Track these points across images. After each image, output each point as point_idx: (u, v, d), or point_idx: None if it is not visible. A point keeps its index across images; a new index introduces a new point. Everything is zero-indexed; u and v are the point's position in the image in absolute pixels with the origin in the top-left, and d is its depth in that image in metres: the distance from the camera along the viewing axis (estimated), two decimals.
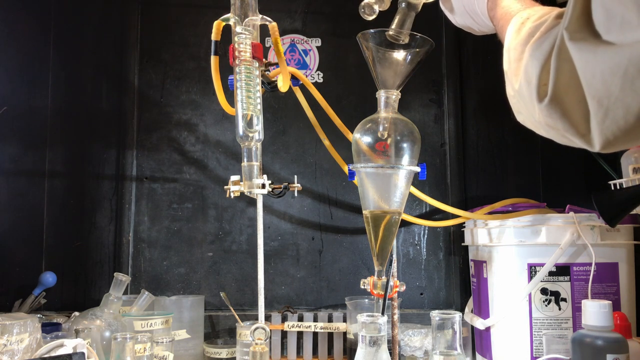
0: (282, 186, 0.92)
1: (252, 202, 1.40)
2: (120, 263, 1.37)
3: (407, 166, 0.89)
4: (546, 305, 1.03)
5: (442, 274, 1.41)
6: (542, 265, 1.03)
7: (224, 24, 0.85)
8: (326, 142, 1.15)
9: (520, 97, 0.57)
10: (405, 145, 0.89)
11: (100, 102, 1.44)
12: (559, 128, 0.51)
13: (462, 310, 1.31)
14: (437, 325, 0.77)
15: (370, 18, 0.84)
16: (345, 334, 1.24)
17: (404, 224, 1.39)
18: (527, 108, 0.56)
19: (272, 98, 1.42)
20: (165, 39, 1.45)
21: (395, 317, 1.00)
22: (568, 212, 1.07)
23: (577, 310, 1.02)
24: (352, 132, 0.94)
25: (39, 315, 1.15)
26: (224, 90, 0.87)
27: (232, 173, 0.86)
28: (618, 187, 1.02)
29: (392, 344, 1.00)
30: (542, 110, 0.52)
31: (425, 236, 1.42)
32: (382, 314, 0.82)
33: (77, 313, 1.18)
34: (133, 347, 0.89)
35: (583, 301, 0.79)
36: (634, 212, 0.88)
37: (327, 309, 1.38)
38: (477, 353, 1.21)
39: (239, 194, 0.84)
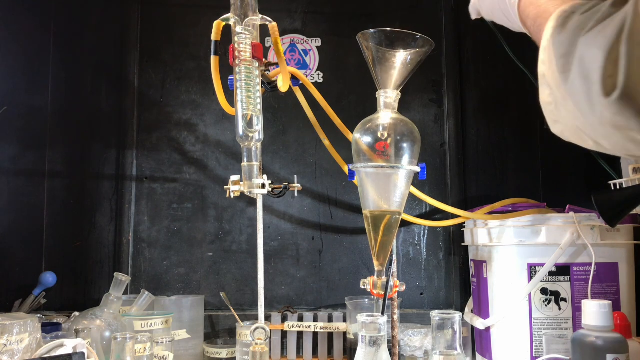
0: (282, 186, 0.92)
1: (252, 202, 1.40)
2: (120, 263, 1.37)
3: (407, 166, 0.89)
4: (546, 305, 1.03)
5: (442, 274, 1.41)
6: (542, 265, 1.03)
7: (224, 24, 0.85)
8: (326, 142, 1.15)
9: (569, 98, 0.49)
10: (405, 145, 0.89)
11: (100, 102, 1.44)
12: (632, 128, 0.44)
13: (462, 310, 1.31)
14: (437, 325, 0.77)
15: None
16: (345, 334, 1.24)
17: (404, 224, 1.39)
18: (580, 109, 0.48)
19: (272, 98, 1.42)
20: (165, 39, 1.45)
21: (395, 317, 1.00)
22: (568, 212, 1.07)
23: (577, 310, 1.02)
24: (352, 132, 0.94)
25: (39, 315, 1.15)
26: (224, 90, 0.87)
27: (232, 173, 0.86)
28: (618, 187, 1.02)
29: (392, 344, 1.00)
30: (611, 106, 0.44)
31: (425, 236, 1.42)
32: (382, 314, 0.82)
33: (77, 313, 1.18)
34: (133, 347, 0.89)
35: (583, 301, 0.79)
36: (634, 212, 0.88)
37: (327, 309, 1.38)
38: (477, 353, 1.21)
39: (239, 194, 0.84)
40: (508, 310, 1.05)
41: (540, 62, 0.54)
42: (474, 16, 0.83)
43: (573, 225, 1.03)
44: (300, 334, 1.27)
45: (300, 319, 1.26)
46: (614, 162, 1.08)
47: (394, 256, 0.96)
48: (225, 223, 1.41)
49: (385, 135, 0.89)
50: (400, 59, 0.89)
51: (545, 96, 0.54)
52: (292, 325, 1.25)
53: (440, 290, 1.41)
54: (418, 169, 0.90)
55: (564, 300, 1.03)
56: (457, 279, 1.39)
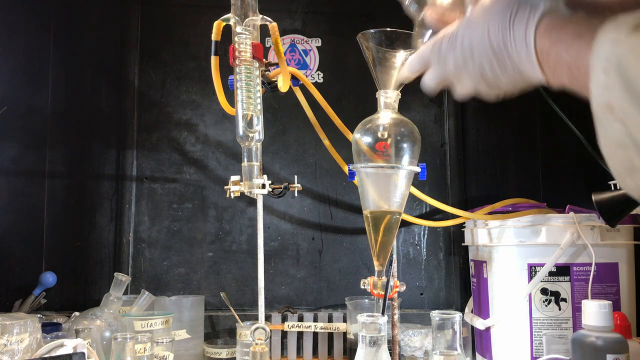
0: (282, 186, 0.92)
1: (252, 202, 1.40)
2: (120, 263, 1.37)
3: (407, 166, 0.89)
4: (546, 306, 1.03)
5: (442, 274, 1.41)
6: (542, 265, 1.03)
7: (224, 24, 0.85)
8: (326, 142, 1.15)
9: None
10: (405, 145, 0.89)
11: (100, 102, 1.44)
12: None
13: (462, 310, 1.31)
14: (437, 325, 0.77)
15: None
16: (345, 334, 1.24)
17: (404, 224, 1.39)
18: None
19: (272, 98, 1.42)
20: (165, 39, 1.45)
21: (396, 317, 1.00)
22: (568, 212, 1.07)
23: (577, 310, 1.02)
24: (352, 132, 0.94)
25: (39, 315, 1.15)
26: (224, 91, 0.87)
27: (232, 173, 0.86)
28: (618, 187, 1.02)
29: (392, 344, 1.00)
30: None
31: (425, 236, 1.42)
32: (382, 314, 0.82)
33: (77, 313, 1.18)
34: (133, 347, 0.89)
35: (583, 301, 0.79)
36: (634, 212, 0.88)
37: (327, 309, 1.38)
38: (477, 353, 1.21)
39: (239, 194, 0.84)
40: (508, 311, 1.05)
41: (600, 89, 0.39)
42: (408, 73, 0.62)
43: (573, 225, 1.03)
44: (300, 334, 1.27)
45: (300, 319, 1.26)
46: None
47: (394, 256, 0.96)
48: (225, 223, 1.41)
49: (386, 135, 0.89)
50: (401, 59, 0.89)
51: (616, 135, 0.38)
52: (292, 326, 1.25)
53: (440, 291, 1.41)
54: (418, 169, 0.90)
55: (564, 300, 1.03)
56: (457, 279, 1.39)
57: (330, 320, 1.27)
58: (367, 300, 1.20)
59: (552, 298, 1.04)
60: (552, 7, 0.47)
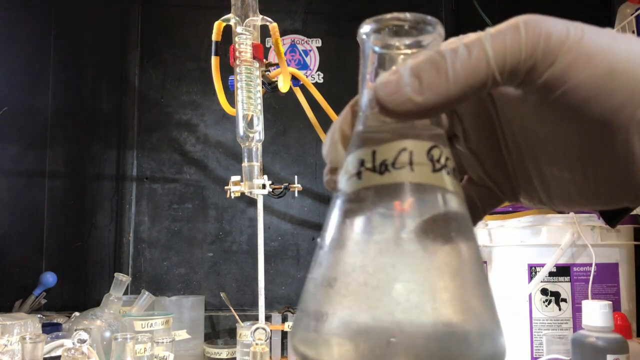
0: (282, 186, 0.92)
1: (252, 202, 1.40)
2: (120, 263, 1.37)
3: None
4: (546, 306, 1.04)
5: None
6: (542, 265, 1.03)
7: (224, 24, 0.85)
8: None
9: None
10: None
11: (100, 102, 1.44)
12: None
13: None
14: None
15: None
16: None
17: None
18: None
19: (273, 98, 1.42)
20: (166, 39, 1.45)
21: None
22: (568, 213, 1.07)
23: (577, 310, 1.02)
24: None
25: (39, 316, 1.15)
26: (225, 91, 0.88)
27: (232, 173, 0.86)
28: None
29: None
30: None
31: None
32: None
33: (77, 313, 1.18)
34: (133, 347, 0.89)
35: (583, 302, 0.79)
36: (634, 212, 0.88)
37: None
38: None
39: (239, 194, 0.84)
40: (508, 311, 1.05)
41: None
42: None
43: (573, 226, 1.03)
44: None
45: None
46: None
47: None
48: (225, 223, 1.41)
49: None
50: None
51: None
52: (292, 326, 1.24)
53: None
54: None
55: (564, 300, 1.03)
56: None
57: None
58: None
59: (552, 298, 1.04)
60: None
